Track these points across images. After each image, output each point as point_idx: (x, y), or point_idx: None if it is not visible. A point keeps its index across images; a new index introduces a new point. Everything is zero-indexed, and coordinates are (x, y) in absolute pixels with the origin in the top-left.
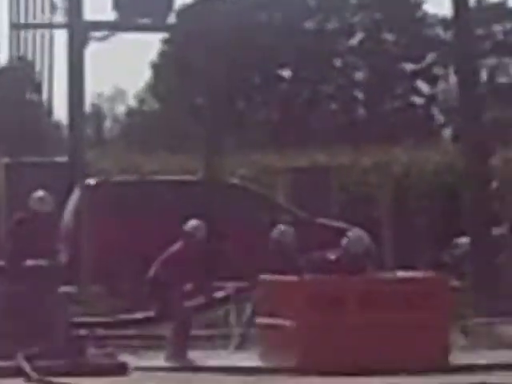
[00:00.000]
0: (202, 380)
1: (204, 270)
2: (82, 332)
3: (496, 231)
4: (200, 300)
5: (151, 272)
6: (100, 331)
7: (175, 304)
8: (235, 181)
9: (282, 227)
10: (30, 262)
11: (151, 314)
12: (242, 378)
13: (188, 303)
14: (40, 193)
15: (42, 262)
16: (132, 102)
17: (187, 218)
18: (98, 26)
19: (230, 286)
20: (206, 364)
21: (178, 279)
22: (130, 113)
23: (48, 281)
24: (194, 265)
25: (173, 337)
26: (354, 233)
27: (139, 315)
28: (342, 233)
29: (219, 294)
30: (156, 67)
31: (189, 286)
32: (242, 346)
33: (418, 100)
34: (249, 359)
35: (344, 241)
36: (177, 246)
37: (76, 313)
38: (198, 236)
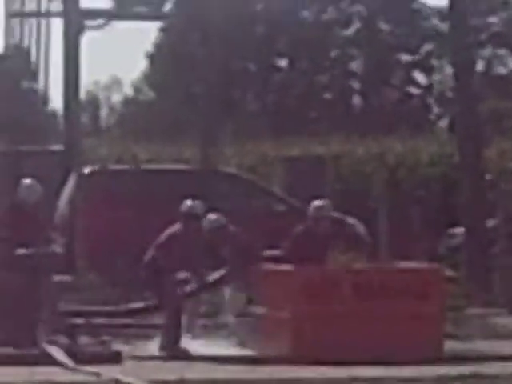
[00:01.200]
0: (194, 369)
1: (202, 253)
2: (77, 321)
3: (490, 222)
4: (193, 285)
5: (147, 256)
6: (94, 320)
7: (168, 292)
8: (230, 170)
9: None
10: (21, 251)
11: (152, 302)
12: (236, 367)
13: (181, 290)
14: (28, 181)
15: (33, 251)
16: (128, 91)
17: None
18: (94, 14)
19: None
20: (198, 353)
21: (174, 263)
22: (126, 102)
23: (40, 269)
24: (192, 247)
25: (166, 325)
26: (316, 201)
27: (141, 304)
28: (335, 222)
29: (212, 276)
30: (152, 56)
31: (184, 273)
32: (234, 334)
33: (414, 90)
34: (241, 348)
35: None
36: (174, 229)
37: (72, 301)
38: (198, 213)
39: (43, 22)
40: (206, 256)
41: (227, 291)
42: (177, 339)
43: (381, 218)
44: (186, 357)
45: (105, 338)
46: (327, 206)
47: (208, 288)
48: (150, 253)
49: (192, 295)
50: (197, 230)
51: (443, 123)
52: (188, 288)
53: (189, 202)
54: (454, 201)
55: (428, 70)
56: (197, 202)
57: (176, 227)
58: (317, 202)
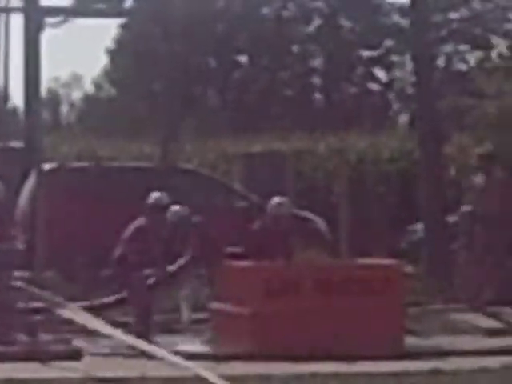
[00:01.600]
0: (155, 366)
1: (166, 245)
2: (37, 317)
3: (451, 218)
4: (156, 277)
5: (116, 252)
6: (55, 316)
7: (136, 287)
8: (190, 167)
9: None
10: None
11: (122, 296)
12: (198, 364)
13: (149, 287)
14: None
15: None
16: (89, 88)
17: (143, 204)
18: (54, 11)
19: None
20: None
21: (142, 256)
22: (87, 98)
23: (2, 266)
24: (158, 239)
25: (135, 321)
26: (276, 198)
27: (111, 299)
28: (296, 218)
29: (172, 267)
30: (112, 52)
31: (151, 267)
32: (194, 331)
33: (374, 87)
34: (203, 345)
35: (268, 207)
36: (139, 222)
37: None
38: (164, 205)
39: (2, 18)
40: (168, 248)
41: (187, 286)
42: (148, 336)
43: (342, 214)
44: (146, 354)
45: (65, 334)
46: (286, 204)
47: (169, 279)
48: (118, 248)
49: (155, 288)
50: (162, 221)
51: (404, 119)
52: (151, 281)
53: (155, 194)
54: (414, 197)
55: (388, 66)
56: (163, 194)
57: (141, 220)
58: (276, 200)
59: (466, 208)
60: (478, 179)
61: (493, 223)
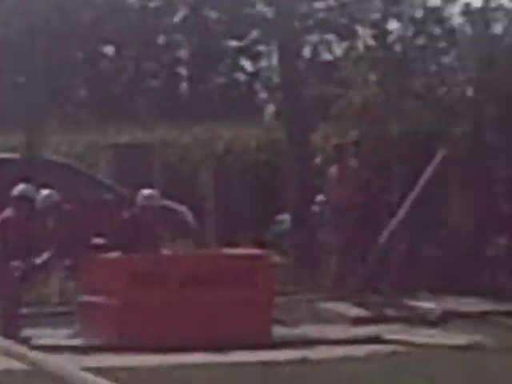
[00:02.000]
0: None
1: (35, 237)
2: None
3: (315, 207)
4: (23, 269)
5: None
6: None
7: (4, 279)
8: (58, 158)
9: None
10: None
11: None
12: (63, 356)
13: (16, 277)
14: None
15: None
16: None
17: (7, 196)
18: None
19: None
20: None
21: (9, 248)
22: None
23: None
24: (25, 231)
25: (3, 315)
26: (145, 190)
27: None
28: (164, 210)
29: (37, 260)
30: None
31: (18, 258)
32: (61, 323)
33: (241, 77)
34: (71, 337)
35: (136, 198)
36: (5, 214)
37: None
38: (30, 196)
39: None
40: (36, 239)
41: (55, 278)
42: (17, 328)
43: (208, 206)
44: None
45: None
46: (156, 196)
47: (36, 271)
48: None
49: (23, 280)
50: (30, 213)
51: (270, 109)
52: (18, 273)
53: (21, 186)
54: (281, 187)
55: (255, 57)
56: (29, 186)
57: (7, 212)
58: (145, 191)
59: (320, 198)
60: (333, 169)
61: (344, 213)
